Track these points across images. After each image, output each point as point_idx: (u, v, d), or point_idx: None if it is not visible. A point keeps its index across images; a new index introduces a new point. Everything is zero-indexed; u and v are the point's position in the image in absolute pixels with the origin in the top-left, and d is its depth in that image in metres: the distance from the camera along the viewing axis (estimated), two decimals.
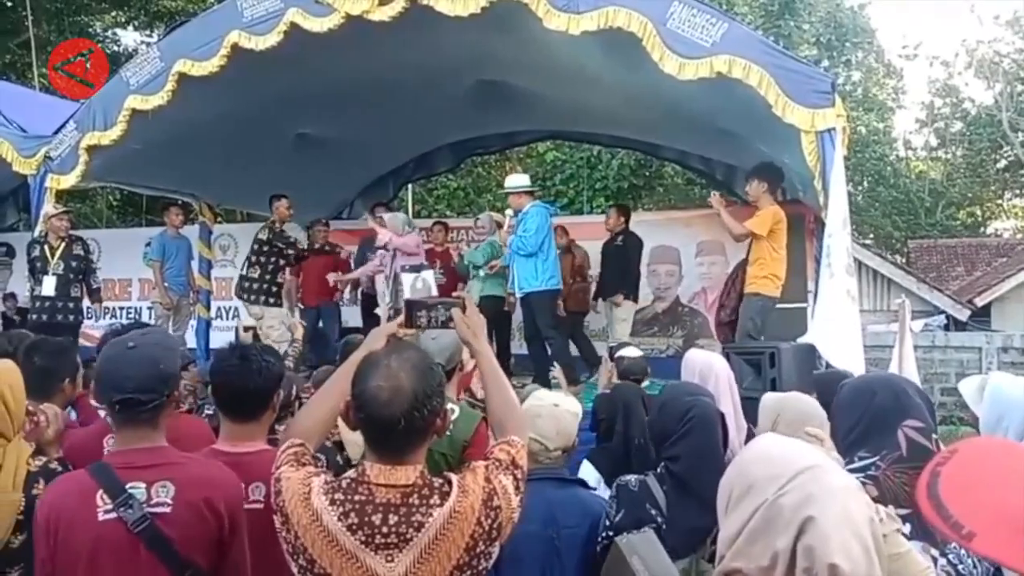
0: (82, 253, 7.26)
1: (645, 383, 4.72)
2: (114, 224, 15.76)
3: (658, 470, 2.22)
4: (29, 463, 2.25)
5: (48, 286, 6.97)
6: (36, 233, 6.99)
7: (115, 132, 6.23)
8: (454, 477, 1.64)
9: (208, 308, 9.38)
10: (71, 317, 7.12)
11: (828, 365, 4.45)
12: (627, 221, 7.95)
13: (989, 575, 1.82)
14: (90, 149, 6.37)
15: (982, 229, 28.79)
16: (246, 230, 9.81)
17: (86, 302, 7.31)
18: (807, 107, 4.63)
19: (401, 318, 2.03)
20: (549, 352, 6.64)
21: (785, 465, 1.25)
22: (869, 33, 24.41)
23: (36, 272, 7.04)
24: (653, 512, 2.23)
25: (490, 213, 8.34)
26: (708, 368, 3.18)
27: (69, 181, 6.58)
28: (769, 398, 2.59)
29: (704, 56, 4.73)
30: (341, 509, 1.57)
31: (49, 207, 6.77)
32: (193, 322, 8.93)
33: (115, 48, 18.64)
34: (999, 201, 29.28)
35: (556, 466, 2.42)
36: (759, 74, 4.65)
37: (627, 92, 6.55)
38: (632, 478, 2.36)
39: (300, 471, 1.67)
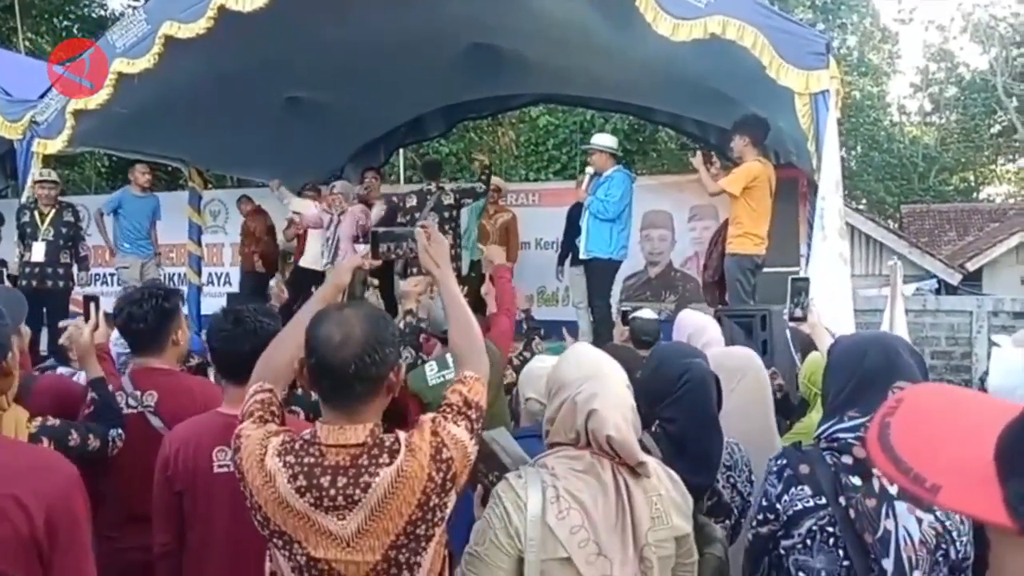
0: (72, 219, 7.24)
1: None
2: (103, 190, 15.56)
3: (653, 429, 2.23)
4: (29, 426, 2.24)
5: (38, 252, 6.95)
6: (24, 199, 6.93)
7: (101, 96, 6.12)
8: (403, 435, 1.64)
9: (199, 274, 9.33)
10: (61, 283, 7.11)
11: None
12: None
13: (974, 531, 1.83)
14: (76, 113, 6.27)
15: (975, 194, 28.86)
16: (236, 196, 9.72)
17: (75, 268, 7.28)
18: (801, 69, 4.59)
19: (367, 249, 2.03)
20: (591, 319, 6.76)
21: (584, 371, 1.80)
22: None
23: (25, 238, 7.01)
24: None
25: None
26: (701, 330, 3.20)
27: (56, 146, 6.49)
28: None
29: (698, 17, 4.68)
30: (291, 472, 1.58)
31: (36, 172, 6.70)
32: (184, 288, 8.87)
33: (101, 12, 18.32)
34: (992, 166, 29.30)
35: None
36: (753, 35, 4.60)
37: (620, 55, 6.47)
38: None
39: (260, 429, 1.68)
